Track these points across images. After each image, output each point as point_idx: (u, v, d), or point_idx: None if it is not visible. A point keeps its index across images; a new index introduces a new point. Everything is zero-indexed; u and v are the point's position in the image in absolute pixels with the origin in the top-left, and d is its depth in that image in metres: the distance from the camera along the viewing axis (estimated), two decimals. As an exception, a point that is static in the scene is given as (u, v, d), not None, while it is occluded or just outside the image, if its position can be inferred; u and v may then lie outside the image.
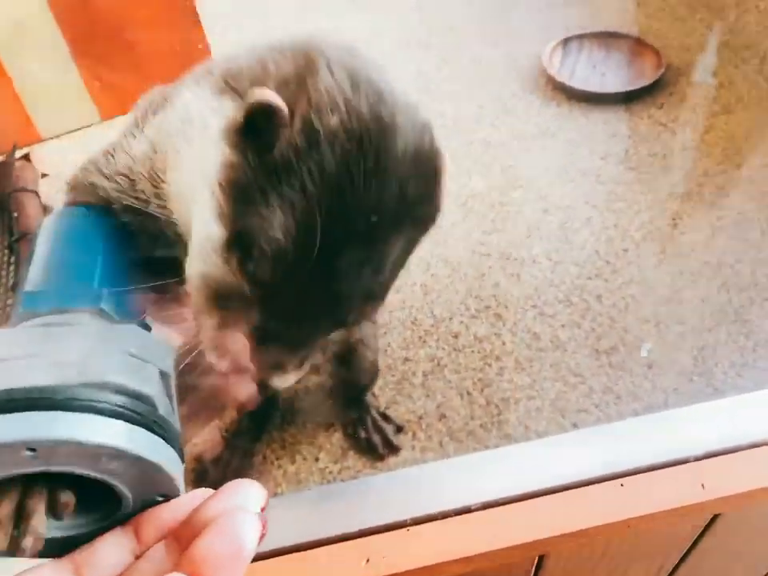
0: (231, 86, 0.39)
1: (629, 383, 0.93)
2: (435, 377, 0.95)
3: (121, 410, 0.28)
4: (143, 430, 0.28)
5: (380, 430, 0.90)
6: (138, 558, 0.29)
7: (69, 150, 1.42)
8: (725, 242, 1.10)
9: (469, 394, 0.93)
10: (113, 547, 0.29)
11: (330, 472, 0.87)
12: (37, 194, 1.18)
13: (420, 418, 0.91)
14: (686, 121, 1.35)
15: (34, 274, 0.35)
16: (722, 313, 0.99)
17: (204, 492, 0.30)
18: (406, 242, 0.39)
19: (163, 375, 0.31)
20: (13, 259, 1.06)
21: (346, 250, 0.36)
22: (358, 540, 0.40)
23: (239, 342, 0.37)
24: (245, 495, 0.27)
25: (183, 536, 0.28)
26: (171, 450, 0.30)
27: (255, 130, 0.36)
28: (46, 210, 1.18)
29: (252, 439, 0.88)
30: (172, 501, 0.30)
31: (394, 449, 0.88)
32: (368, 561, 0.40)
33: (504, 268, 1.09)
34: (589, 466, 0.44)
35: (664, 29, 1.59)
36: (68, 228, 0.39)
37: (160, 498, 0.30)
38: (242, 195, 0.36)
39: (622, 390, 0.92)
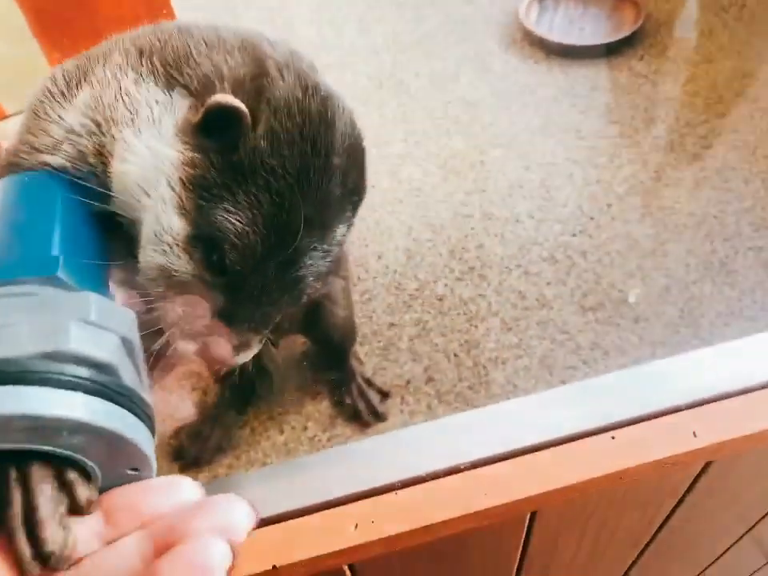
0: (180, 81, 0.40)
1: (616, 338, 0.92)
2: (421, 341, 0.94)
3: (78, 380, 0.26)
4: (104, 400, 0.27)
5: (365, 397, 0.89)
6: (107, 543, 0.27)
7: (35, 125, 1.37)
8: (708, 192, 1.09)
9: (456, 356, 0.92)
10: (79, 525, 0.28)
11: (320, 440, 0.86)
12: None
13: (407, 382, 0.90)
14: (666, 72, 1.33)
15: None
16: (707, 264, 0.99)
17: (181, 481, 0.29)
18: (347, 224, 0.44)
19: (125, 342, 0.29)
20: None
21: (304, 238, 0.39)
22: (346, 506, 0.39)
23: (200, 306, 0.37)
24: (231, 516, 0.26)
25: (157, 537, 0.26)
26: (137, 419, 0.28)
27: (217, 131, 0.38)
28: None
29: (237, 412, 0.87)
30: (144, 482, 0.29)
31: (379, 416, 0.88)
32: (357, 526, 0.39)
33: (487, 228, 1.07)
34: (578, 420, 0.43)
35: (642, -22, 1.55)
36: (19, 195, 0.36)
37: (131, 472, 0.29)
38: (206, 193, 0.38)
39: (610, 346, 0.91)
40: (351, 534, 0.39)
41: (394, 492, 0.40)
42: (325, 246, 0.41)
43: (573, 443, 0.41)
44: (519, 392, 0.87)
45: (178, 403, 0.85)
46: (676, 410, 0.41)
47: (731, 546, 0.69)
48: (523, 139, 1.22)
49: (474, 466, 0.41)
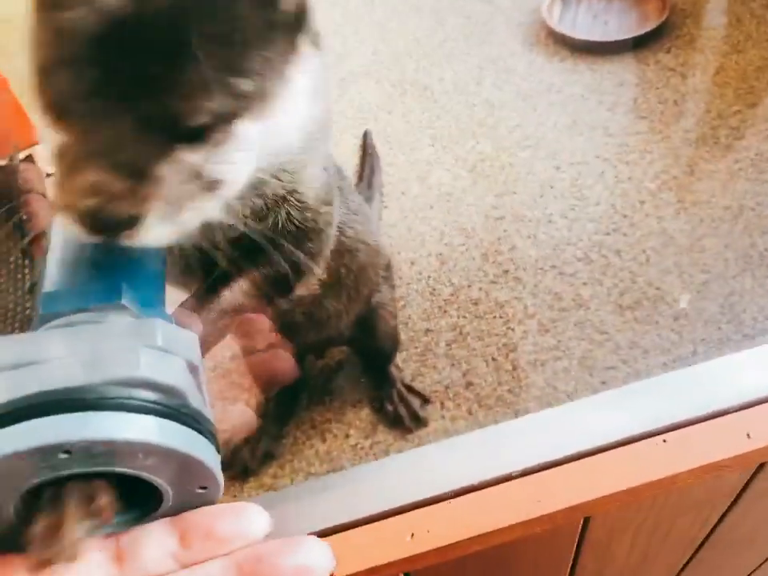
0: None
1: (655, 337, 0.91)
2: (458, 345, 0.94)
3: (151, 405, 0.27)
4: (175, 423, 0.28)
5: (406, 403, 0.90)
6: (183, 565, 0.28)
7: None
8: (743, 184, 1.08)
9: (494, 360, 0.92)
10: (155, 541, 0.29)
11: (362, 448, 0.86)
12: (44, 194, 1.18)
13: (447, 387, 0.91)
14: (695, 63, 1.31)
15: (52, 275, 0.35)
16: (746, 258, 0.97)
17: (250, 507, 0.30)
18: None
19: (191, 366, 0.30)
20: (27, 262, 1.06)
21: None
22: (400, 516, 0.40)
23: (265, 323, 0.37)
24: (315, 557, 0.27)
25: (243, 567, 0.27)
26: (205, 440, 0.29)
27: None
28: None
29: (282, 422, 0.88)
30: (215, 506, 0.30)
31: (421, 421, 0.88)
32: (413, 536, 0.40)
33: (519, 230, 1.07)
34: (629, 424, 0.43)
35: (665, -30, 1.53)
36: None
37: (200, 491, 0.30)
38: None
39: (649, 344, 0.90)
40: (407, 544, 0.39)
41: (447, 501, 0.40)
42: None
43: (624, 447, 0.41)
44: (559, 394, 0.87)
45: (223, 415, 0.87)
46: (728, 411, 0.41)
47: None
48: (551, 139, 1.21)
49: (525, 473, 0.41)
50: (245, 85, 0.34)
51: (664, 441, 0.41)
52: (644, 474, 0.42)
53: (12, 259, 1.09)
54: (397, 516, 0.40)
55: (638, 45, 1.36)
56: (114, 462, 0.27)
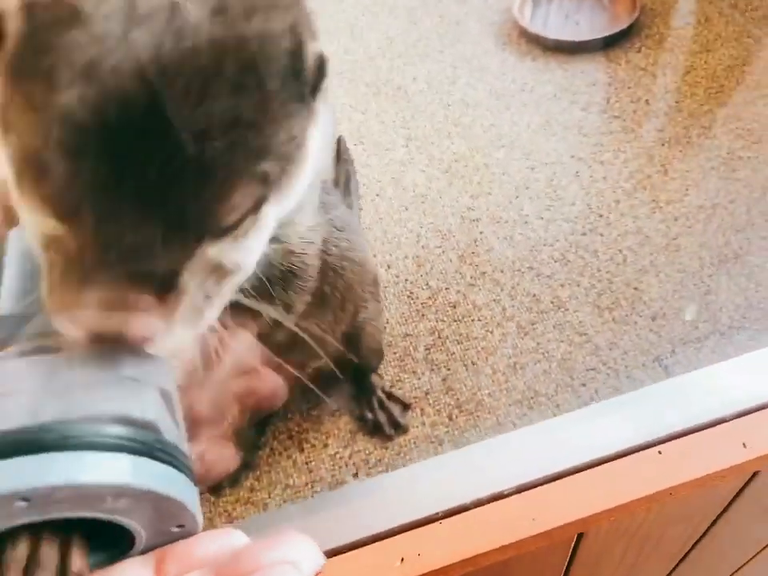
0: None
1: (634, 337, 0.91)
2: (437, 350, 0.93)
3: (121, 441, 0.25)
4: (148, 460, 0.25)
5: (386, 410, 0.88)
6: None
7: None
8: (716, 183, 1.08)
9: (473, 363, 0.91)
10: (129, 573, 0.27)
11: (341, 457, 0.84)
12: None
13: (426, 393, 0.89)
14: (665, 63, 1.32)
15: (7, 296, 0.32)
16: (721, 256, 0.98)
17: (231, 531, 0.28)
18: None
19: (164, 394, 0.28)
20: None
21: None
22: (390, 539, 0.38)
23: (246, 340, 0.34)
24: (300, 553, 0.25)
25: (224, 572, 0.25)
26: (182, 475, 0.27)
27: None
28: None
29: (257, 433, 0.86)
30: (199, 535, 0.28)
31: (401, 428, 0.86)
32: (402, 560, 0.38)
33: (496, 232, 1.06)
34: (623, 436, 0.42)
35: (634, -31, 1.54)
36: None
37: (176, 529, 0.28)
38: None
39: (628, 345, 0.90)
40: (398, 569, 0.37)
41: (438, 522, 0.39)
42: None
43: (620, 460, 0.40)
44: (540, 397, 0.86)
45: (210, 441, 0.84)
46: (723, 420, 0.40)
47: (757, 553, 0.68)
48: (526, 139, 1.20)
49: (519, 490, 0.40)
50: (272, 168, 0.30)
51: (659, 453, 0.40)
52: (640, 487, 0.40)
53: None
54: (385, 540, 0.38)
55: (609, 44, 1.36)
56: (79, 508, 0.24)
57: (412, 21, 1.51)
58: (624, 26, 1.37)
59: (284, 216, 0.37)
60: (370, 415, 0.87)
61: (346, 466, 0.84)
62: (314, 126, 0.35)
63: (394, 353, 0.93)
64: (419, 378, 0.91)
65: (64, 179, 0.26)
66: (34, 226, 0.30)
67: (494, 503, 0.39)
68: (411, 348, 0.94)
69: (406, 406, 0.88)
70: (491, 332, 0.94)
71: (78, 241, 0.27)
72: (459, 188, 1.13)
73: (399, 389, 0.90)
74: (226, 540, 0.27)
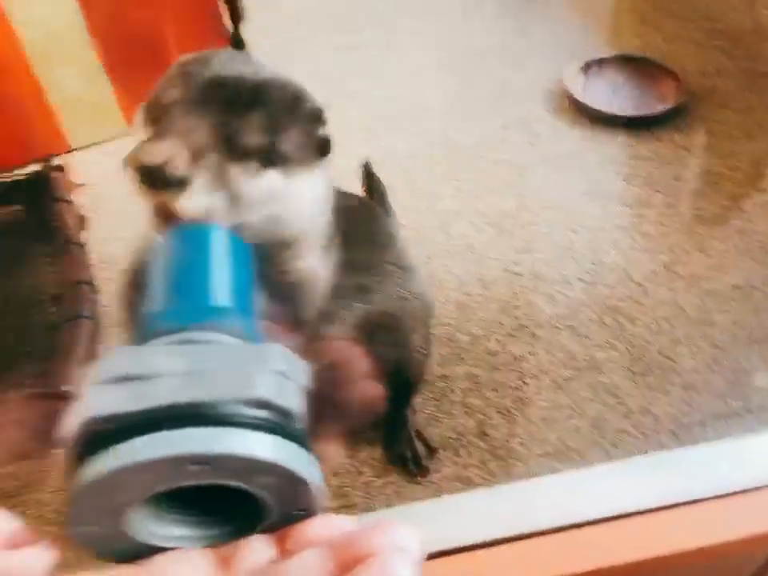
0: None
1: (666, 405, 0.94)
2: (474, 395, 0.97)
3: (274, 426, 0.29)
4: (294, 445, 0.29)
5: (413, 447, 0.91)
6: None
7: (99, 161, 1.43)
8: (752, 265, 1.13)
9: (508, 412, 0.94)
10: (257, 550, 0.30)
11: (375, 486, 0.87)
12: (72, 203, 1.19)
13: (460, 435, 0.92)
14: (707, 145, 1.38)
15: (161, 293, 0.36)
16: (754, 336, 1.02)
17: (343, 518, 0.31)
18: None
19: (302, 392, 0.32)
20: (53, 269, 1.06)
21: None
22: (453, 556, 0.41)
23: (352, 349, 0.38)
24: (408, 541, 0.27)
25: (338, 552, 0.28)
26: (316, 465, 0.31)
27: None
28: (82, 220, 1.19)
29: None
30: (316, 519, 0.31)
31: (423, 469, 0.89)
32: (472, 580, 0.41)
33: (537, 287, 1.11)
34: (661, 492, 0.45)
35: (682, 54, 1.62)
36: (190, 247, 0.39)
37: (299, 513, 0.31)
38: None
39: (660, 412, 0.93)
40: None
41: (507, 543, 0.42)
42: None
43: (656, 513, 0.43)
44: (571, 452, 0.89)
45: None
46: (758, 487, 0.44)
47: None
48: (570, 203, 1.26)
49: (573, 527, 0.43)
50: (284, 146, 0.48)
51: (697, 512, 0.43)
52: (674, 542, 0.44)
53: (38, 264, 1.10)
54: (448, 557, 0.41)
55: (655, 122, 1.43)
56: (236, 478, 0.28)
57: (469, 80, 1.59)
58: (670, 106, 1.44)
59: (287, 222, 0.51)
60: (397, 448, 0.91)
61: (379, 495, 0.87)
62: (316, 171, 0.53)
63: (432, 393, 0.97)
64: (454, 420, 0.94)
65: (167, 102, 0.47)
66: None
67: (561, 534, 0.43)
68: (448, 390, 0.98)
69: (432, 450, 0.91)
70: (527, 383, 0.97)
71: (157, 130, 0.45)
72: (504, 242, 1.18)
73: (434, 428, 0.93)
74: (337, 524, 0.31)
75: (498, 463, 0.89)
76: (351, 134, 1.35)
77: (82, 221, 1.19)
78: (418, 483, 0.88)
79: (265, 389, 0.30)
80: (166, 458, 0.27)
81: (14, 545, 0.24)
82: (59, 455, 0.30)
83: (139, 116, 0.49)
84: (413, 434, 0.92)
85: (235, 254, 0.40)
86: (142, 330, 0.36)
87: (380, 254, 0.74)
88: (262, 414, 0.29)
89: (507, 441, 0.91)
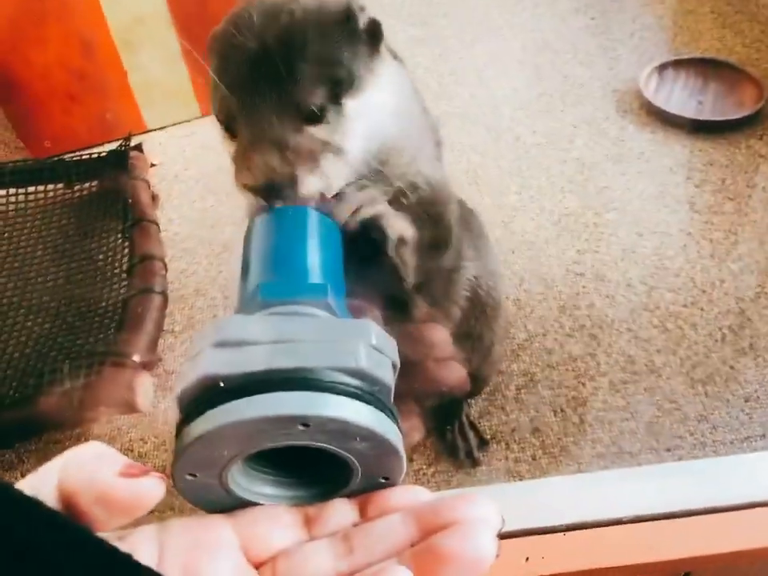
0: None
1: (725, 414, 0.92)
2: (529, 391, 0.97)
3: (370, 396, 0.31)
4: (387, 416, 0.31)
5: (465, 438, 0.92)
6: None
7: (171, 142, 1.49)
8: (826, 280, 1.09)
9: (562, 410, 0.94)
10: (341, 512, 0.32)
11: (424, 474, 0.89)
12: (147, 182, 1.24)
13: (513, 430, 0.93)
14: (786, 154, 1.33)
15: (264, 268, 0.38)
16: (824, 352, 0.98)
17: (421, 489, 0.33)
18: None
19: (394, 367, 0.33)
20: (127, 244, 1.11)
21: None
22: (519, 539, 0.42)
23: (440, 332, 0.40)
24: (489, 512, 0.28)
25: (420, 519, 0.29)
26: (401, 437, 0.32)
27: None
28: (155, 198, 1.24)
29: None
30: (399, 488, 0.33)
31: (473, 460, 0.90)
32: (527, 559, 0.42)
33: (598, 289, 1.10)
34: (735, 492, 0.45)
35: (763, 59, 1.57)
36: (288, 227, 0.42)
37: (382, 481, 0.33)
38: None
39: (718, 420, 0.91)
40: (522, 566, 0.42)
41: (562, 533, 0.43)
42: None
43: (735, 512, 0.43)
44: (624, 454, 0.89)
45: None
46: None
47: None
48: (637, 206, 1.24)
49: (636, 520, 0.43)
50: (340, 72, 0.48)
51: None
52: (745, 540, 0.44)
53: (112, 239, 1.15)
54: (515, 538, 0.42)
55: (731, 128, 1.39)
56: (336, 442, 0.30)
57: (538, 77, 1.58)
58: (747, 112, 1.40)
59: (379, 135, 0.52)
60: (449, 436, 0.92)
61: (428, 483, 0.88)
62: (380, 63, 0.52)
63: (487, 387, 0.97)
64: (507, 415, 0.95)
65: (230, 101, 0.47)
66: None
67: (612, 527, 0.43)
68: (503, 385, 0.98)
69: (484, 441, 0.92)
70: (583, 384, 0.97)
71: (239, 144, 0.47)
72: (567, 241, 1.18)
73: (487, 421, 0.94)
74: (418, 493, 0.32)
75: (548, 460, 0.89)
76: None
77: (155, 199, 1.24)
78: (467, 474, 0.89)
79: (363, 360, 0.31)
80: (272, 416, 0.29)
81: (129, 475, 0.26)
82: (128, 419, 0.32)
83: (214, 107, 0.50)
84: (466, 424, 0.93)
85: (328, 234, 0.42)
86: (246, 300, 0.38)
87: (472, 248, 0.75)
88: (360, 383, 0.31)
89: (560, 439, 0.91)
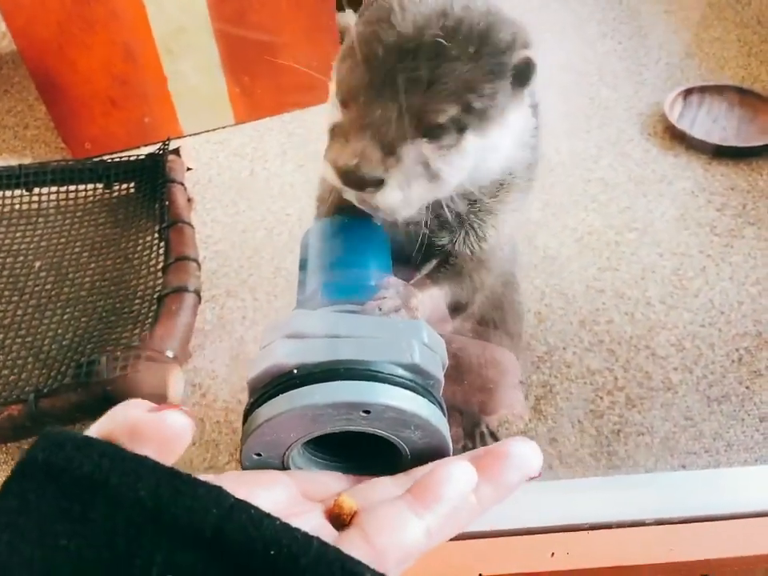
0: None
1: (740, 433, 0.94)
2: (547, 402, 0.99)
3: (424, 389, 0.34)
4: (438, 408, 0.34)
5: (485, 445, 0.94)
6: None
7: (206, 148, 1.53)
8: (844, 306, 1.11)
9: (579, 422, 0.96)
10: (387, 487, 0.34)
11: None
12: (184, 185, 1.28)
13: (530, 439, 0.95)
14: (807, 182, 1.36)
15: (326, 269, 0.42)
16: (840, 376, 1.00)
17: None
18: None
19: (443, 366, 0.37)
20: (162, 244, 1.15)
21: None
22: (545, 535, 0.45)
23: (513, 361, 0.43)
24: (535, 452, 0.33)
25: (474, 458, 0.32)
26: (449, 428, 0.35)
27: None
28: (190, 201, 1.28)
29: None
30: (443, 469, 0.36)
31: None
32: (553, 554, 0.45)
33: (618, 306, 1.12)
34: (755, 500, 0.48)
35: (787, 88, 1.59)
36: (345, 233, 0.45)
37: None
38: None
39: (733, 439, 0.94)
40: (548, 560, 0.44)
41: (585, 531, 0.46)
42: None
43: (754, 519, 0.46)
44: (639, 468, 0.91)
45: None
46: None
47: None
48: (658, 227, 1.27)
49: (659, 523, 0.46)
50: (477, 103, 0.46)
51: None
52: (763, 545, 0.46)
53: (148, 240, 1.19)
54: (541, 534, 0.45)
55: (753, 154, 1.41)
56: (392, 429, 0.33)
57: (563, 97, 1.61)
58: (770, 139, 1.42)
59: (483, 176, 0.51)
60: (469, 443, 0.94)
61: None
62: (516, 106, 0.50)
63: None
64: (526, 424, 0.97)
65: (352, 80, 0.46)
66: (331, 118, 0.47)
67: (635, 528, 0.46)
68: (522, 396, 1.01)
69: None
70: (601, 397, 0.99)
71: (349, 118, 0.45)
72: (588, 258, 1.20)
73: (506, 429, 0.97)
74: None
75: (565, 470, 0.91)
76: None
77: (190, 202, 1.28)
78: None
79: (418, 356, 0.35)
80: (339, 402, 0.32)
81: (156, 410, 0.29)
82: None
83: (332, 91, 0.49)
84: (486, 433, 0.96)
85: (381, 243, 0.46)
86: (306, 297, 0.42)
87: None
88: (415, 377, 0.34)
89: (576, 450, 0.94)
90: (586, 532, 0.46)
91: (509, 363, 0.43)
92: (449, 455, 0.35)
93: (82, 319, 1.08)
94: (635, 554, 0.45)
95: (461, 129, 0.46)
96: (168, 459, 0.28)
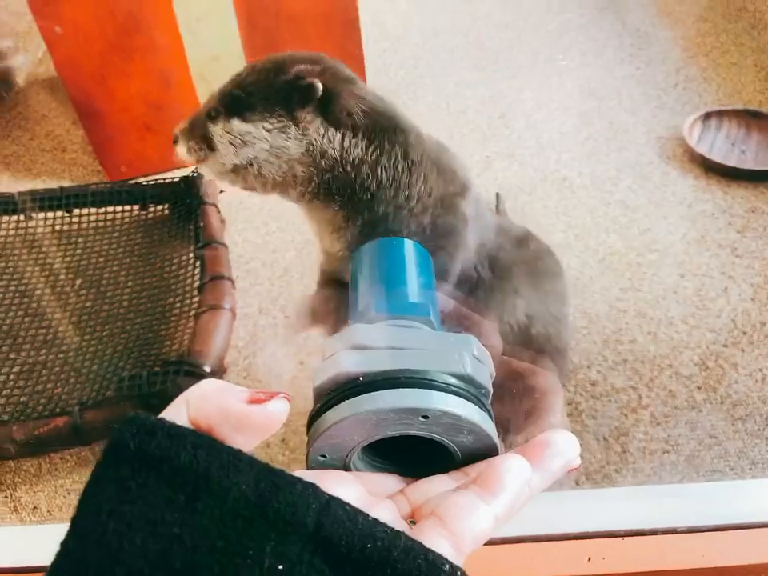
0: None
1: (764, 452, 0.96)
2: (573, 420, 1.01)
3: (476, 398, 0.37)
4: (488, 416, 0.37)
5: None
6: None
7: (235, 170, 1.58)
8: None
9: (605, 440, 0.99)
10: (444, 481, 0.37)
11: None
12: (217, 207, 1.33)
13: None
14: (826, 205, 1.38)
15: (378, 286, 0.45)
16: None
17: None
18: None
19: (491, 375, 0.40)
20: (198, 263, 1.20)
21: None
22: (582, 540, 0.48)
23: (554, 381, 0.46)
24: (574, 442, 0.34)
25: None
26: (497, 435, 0.38)
27: None
28: (223, 222, 1.33)
29: None
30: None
31: None
32: (589, 559, 0.48)
33: (640, 326, 1.15)
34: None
35: (805, 112, 1.62)
36: (396, 252, 0.49)
37: None
38: None
39: (758, 457, 0.95)
40: (584, 565, 0.47)
41: (621, 537, 0.48)
42: None
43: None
44: (665, 485, 0.92)
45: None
46: None
47: None
48: (679, 248, 1.29)
49: (690, 531, 0.48)
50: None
51: None
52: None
53: (184, 259, 1.24)
54: (578, 540, 0.48)
55: (773, 177, 1.44)
56: (446, 434, 0.36)
57: (584, 121, 1.65)
58: (790, 163, 1.45)
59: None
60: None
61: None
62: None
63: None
64: (552, 441, 0.99)
65: None
66: None
67: (666, 536, 0.48)
68: (548, 412, 1.03)
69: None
70: (626, 415, 1.01)
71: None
72: (610, 279, 1.23)
73: (532, 445, 0.99)
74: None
75: (591, 486, 0.93)
76: (467, 166, 1.44)
77: (222, 223, 1.33)
78: (514, 494, 0.94)
79: (469, 367, 0.38)
80: (400, 408, 0.35)
81: (259, 401, 0.29)
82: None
83: None
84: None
85: (425, 262, 0.49)
86: (359, 312, 0.45)
87: (530, 286, 0.76)
88: (467, 386, 0.37)
89: (603, 467, 0.96)
90: (622, 538, 0.48)
91: (552, 385, 0.46)
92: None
93: (121, 335, 1.12)
94: (668, 559, 0.47)
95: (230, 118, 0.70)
96: (254, 444, 0.29)
